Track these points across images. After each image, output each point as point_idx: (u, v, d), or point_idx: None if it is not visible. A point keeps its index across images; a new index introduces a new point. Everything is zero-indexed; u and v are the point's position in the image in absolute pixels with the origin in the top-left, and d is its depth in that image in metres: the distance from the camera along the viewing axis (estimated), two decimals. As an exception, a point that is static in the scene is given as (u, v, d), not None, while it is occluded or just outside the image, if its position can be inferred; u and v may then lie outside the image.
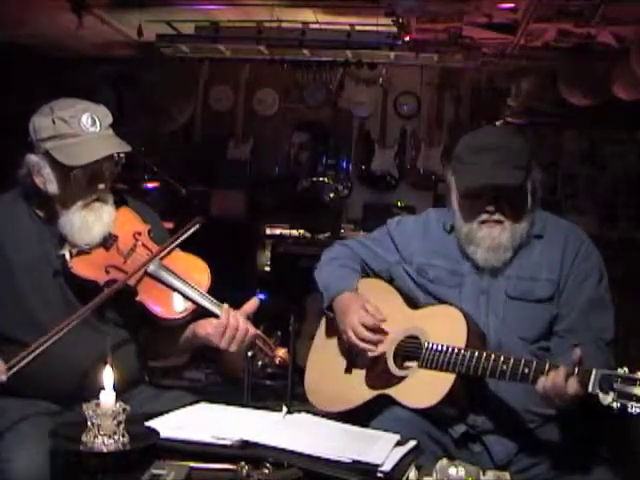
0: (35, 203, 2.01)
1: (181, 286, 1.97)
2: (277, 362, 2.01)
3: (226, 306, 1.97)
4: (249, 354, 2.00)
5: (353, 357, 2.22)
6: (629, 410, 1.66)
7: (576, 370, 1.76)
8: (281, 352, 2.01)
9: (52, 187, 1.94)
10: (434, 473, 1.60)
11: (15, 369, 1.75)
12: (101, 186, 1.97)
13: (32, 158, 1.94)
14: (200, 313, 1.98)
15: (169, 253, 2.05)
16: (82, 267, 1.94)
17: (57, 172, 1.92)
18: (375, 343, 2.11)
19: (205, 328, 1.96)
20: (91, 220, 1.95)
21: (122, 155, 1.98)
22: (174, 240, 2.05)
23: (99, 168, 1.94)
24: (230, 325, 1.93)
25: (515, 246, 2.08)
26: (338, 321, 2.19)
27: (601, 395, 1.70)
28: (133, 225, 2.06)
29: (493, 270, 2.10)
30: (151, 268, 1.98)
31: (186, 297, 1.97)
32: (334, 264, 2.33)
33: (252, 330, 1.96)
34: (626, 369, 1.70)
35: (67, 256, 1.94)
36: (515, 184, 2.03)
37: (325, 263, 2.36)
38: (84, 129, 1.92)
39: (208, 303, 1.97)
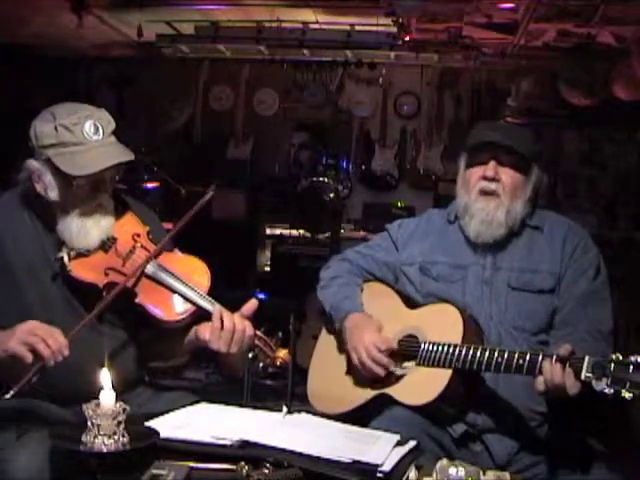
0: (34, 207, 2.00)
1: (180, 288, 1.96)
2: (278, 363, 2.00)
3: (217, 308, 1.94)
4: (250, 355, 1.99)
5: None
6: (622, 396, 1.66)
7: (568, 361, 1.77)
8: (282, 353, 2.00)
9: (53, 194, 1.92)
10: (434, 473, 1.60)
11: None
12: (103, 195, 1.96)
13: (33, 164, 1.92)
14: (201, 315, 1.97)
15: (172, 247, 2.04)
16: (81, 270, 1.94)
17: (59, 180, 1.91)
18: (384, 365, 2.08)
19: (204, 334, 1.95)
20: (89, 225, 1.94)
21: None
22: (191, 212, 2.01)
23: (101, 176, 1.93)
24: (226, 328, 1.91)
25: (509, 226, 2.12)
26: (348, 339, 2.17)
27: (594, 381, 1.71)
28: (132, 227, 2.05)
29: (495, 261, 2.13)
30: (150, 270, 1.97)
31: (185, 299, 1.96)
32: (336, 283, 2.31)
33: (250, 330, 1.94)
34: (619, 355, 1.70)
35: (65, 259, 1.93)
36: (518, 150, 2.11)
37: (327, 283, 2.34)
38: (87, 137, 1.89)
39: (208, 305, 1.96)
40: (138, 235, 2.03)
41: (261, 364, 2.03)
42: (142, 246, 2.01)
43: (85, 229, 1.94)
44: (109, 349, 1.95)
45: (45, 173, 1.91)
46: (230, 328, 1.91)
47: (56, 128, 1.88)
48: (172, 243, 2.09)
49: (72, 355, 1.91)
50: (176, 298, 1.97)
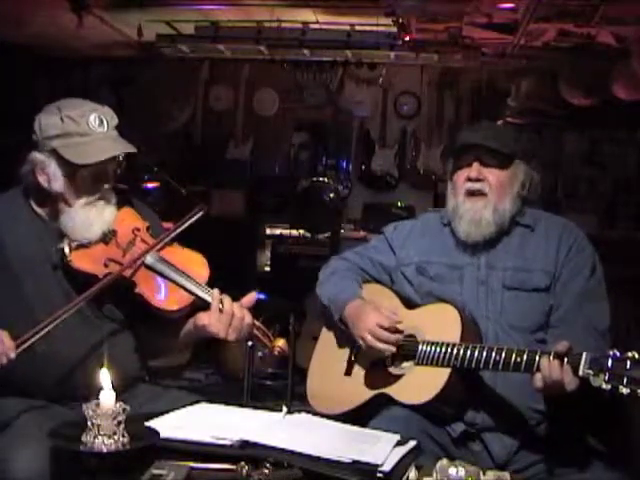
0: (35, 201, 2.02)
1: (179, 278, 1.99)
2: (276, 352, 2.01)
3: (216, 292, 1.97)
4: (249, 344, 2.01)
5: (352, 360, 2.24)
6: (620, 391, 1.67)
7: (566, 357, 1.78)
8: (280, 342, 2.01)
9: (57, 185, 1.95)
10: (434, 473, 1.60)
11: (23, 347, 1.75)
12: (106, 186, 1.99)
13: (37, 156, 1.96)
14: (200, 305, 1.99)
15: (171, 241, 2.06)
16: (81, 261, 1.96)
17: (63, 170, 1.94)
18: (393, 342, 2.10)
19: (203, 319, 1.97)
20: (92, 216, 1.97)
21: (123, 156, 2.00)
22: (177, 226, 2.05)
23: (104, 168, 1.96)
24: (225, 311, 1.94)
25: (498, 224, 2.13)
26: (351, 328, 2.18)
27: (592, 377, 1.72)
28: (132, 221, 2.08)
29: (489, 261, 2.14)
30: (150, 260, 2.00)
31: (184, 289, 1.98)
32: (334, 278, 2.33)
33: (248, 318, 1.97)
34: (616, 351, 1.70)
35: (66, 250, 1.96)
36: (497, 149, 2.13)
37: (325, 279, 2.36)
38: (92, 128, 1.94)
39: (207, 295, 1.98)
40: (138, 229, 2.07)
41: (260, 353, 2.05)
42: (142, 239, 2.05)
43: (88, 220, 1.97)
44: (109, 345, 1.97)
45: (49, 164, 1.95)
46: (229, 311, 1.94)
47: (62, 119, 1.93)
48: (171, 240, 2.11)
49: (71, 350, 1.93)
50: (175, 288, 1.99)
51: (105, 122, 1.96)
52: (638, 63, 4.23)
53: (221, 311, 1.94)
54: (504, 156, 2.15)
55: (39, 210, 2.02)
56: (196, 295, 1.97)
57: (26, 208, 2.02)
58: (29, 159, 1.97)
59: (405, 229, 2.35)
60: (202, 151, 6.07)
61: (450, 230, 2.23)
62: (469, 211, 2.14)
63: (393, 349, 2.09)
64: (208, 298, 1.97)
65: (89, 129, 1.93)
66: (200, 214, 2.08)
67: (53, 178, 1.95)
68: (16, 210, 2.02)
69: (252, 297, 2.02)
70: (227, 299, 1.96)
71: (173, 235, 2.05)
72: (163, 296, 1.98)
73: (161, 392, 2.11)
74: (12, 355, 1.73)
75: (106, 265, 1.96)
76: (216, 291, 1.97)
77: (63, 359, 1.93)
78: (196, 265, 2.05)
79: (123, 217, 2.06)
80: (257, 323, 2.00)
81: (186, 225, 2.06)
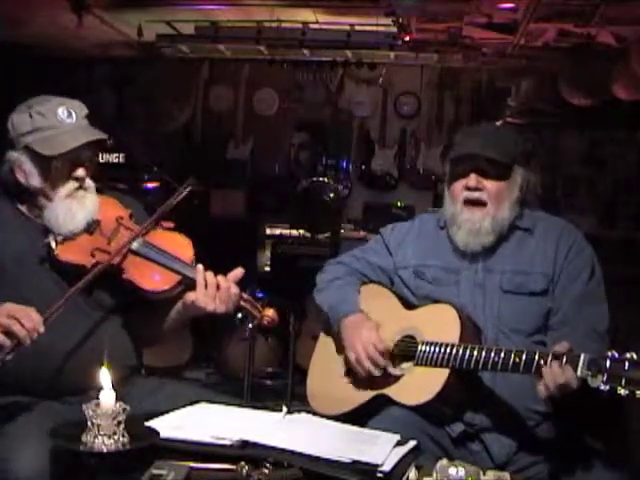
0: (17, 199, 2.06)
1: (165, 259, 2.02)
2: (266, 322, 2.03)
3: (200, 267, 2.00)
4: (238, 316, 2.04)
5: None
6: (619, 392, 1.67)
7: (564, 357, 1.78)
8: (269, 312, 2.03)
9: (34, 180, 1.99)
10: (434, 473, 1.60)
11: (49, 321, 1.77)
12: (80, 172, 2.01)
13: (12, 154, 2.00)
14: (188, 285, 2.01)
15: (155, 226, 2.09)
16: (68, 253, 1.99)
17: (37, 165, 1.98)
18: (380, 366, 2.09)
19: (190, 296, 2.00)
20: (75, 208, 2.00)
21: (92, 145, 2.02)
22: (166, 205, 2.09)
23: (78, 157, 2.00)
24: (210, 284, 1.97)
25: (497, 232, 2.12)
26: (345, 338, 2.18)
27: (590, 378, 1.72)
28: (115, 210, 2.12)
29: (486, 265, 2.14)
30: (135, 245, 2.02)
31: (171, 269, 2.01)
32: (335, 285, 2.33)
33: (234, 289, 2.00)
34: (615, 352, 1.71)
35: (52, 244, 1.98)
36: (496, 159, 2.09)
37: (325, 285, 2.36)
38: (60, 121, 1.98)
39: (193, 273, 2.00)
40: (121, 217, 2.10)
41: (250, 325, 2.07)
42: (125, 227, 2.08)
43: (71, 212, 2.00)
44: (103, 333, 2.00)
45: (25, 161, 1.99)
46: (214, 283, 1.98)
47: (31, 115, 1.98)
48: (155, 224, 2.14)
49: (67, 343, 1.95)
50: (162, 269, 2.01)
51: (74, 114, 2.01)
52: (638, 63, 4.23)
53: (207, 285, 1.97)
54: (503, 165, 2.12)
55: (22, 208, 2.06)
56: (183, 274, 2.00)
57: (10, 208, 2.06)
58: (6, 159, 2.01)
59: (402, 231, 2.34)
60: (202, 151, 6.07)
61: (447, 233, 2.22)
62: (468, 221, 2.12)
63: (378, 373, 2.09)
64: (194, 275, 1.99)
65: (57, 122, 1.98)
66: (188, 189, 2.10)
67: (30, 174, 1.98)
68: (2, 210, 2.05)
69: (238, 272, 2.05)
70: (210, 273, 2.00)
71: (162, 214, 2.09)
72: (151, 278, 2.01)
73: (160, 385, 2.12)
74: (42, 329, 1.74)
75: (93, 255, 1.99)
76: (200, 266, 2.00)
77: (58, 351, 1.94)
78: (180, 246, 2.08)
79: (105, 208, 2.09)
80: (245, 295, 2.03)
81: (174, 203, 2.09)
